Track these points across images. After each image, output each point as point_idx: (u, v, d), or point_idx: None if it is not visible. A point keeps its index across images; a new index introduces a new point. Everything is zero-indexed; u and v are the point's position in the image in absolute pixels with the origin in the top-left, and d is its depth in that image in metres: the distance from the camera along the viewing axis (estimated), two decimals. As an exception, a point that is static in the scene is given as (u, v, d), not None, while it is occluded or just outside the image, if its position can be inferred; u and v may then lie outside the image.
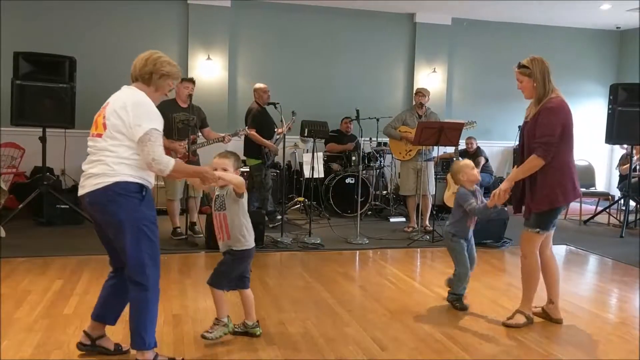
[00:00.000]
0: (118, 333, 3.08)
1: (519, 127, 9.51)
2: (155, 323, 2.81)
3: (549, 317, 3.63)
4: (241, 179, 3.13)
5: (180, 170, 2.87)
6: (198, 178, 3.00)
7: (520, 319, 3.55)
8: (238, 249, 3.15)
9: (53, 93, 5.97)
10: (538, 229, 3.45)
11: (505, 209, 3.64)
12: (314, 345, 3.16)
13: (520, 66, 3.50)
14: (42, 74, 5.97)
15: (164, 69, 2.79)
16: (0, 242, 5.22)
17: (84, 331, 2.95)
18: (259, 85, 6.59)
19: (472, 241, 3.98)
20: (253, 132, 6.18)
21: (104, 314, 2.92)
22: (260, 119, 6.35)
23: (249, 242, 3.19)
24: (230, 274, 3.16)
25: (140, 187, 2.70)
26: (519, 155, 3.62)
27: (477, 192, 3.87)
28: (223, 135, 5.70)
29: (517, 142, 9.17)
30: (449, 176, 6.73)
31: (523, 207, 3.55)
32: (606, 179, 9.81)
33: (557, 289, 3.62)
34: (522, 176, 3.43)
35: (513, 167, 3.68)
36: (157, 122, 2.69)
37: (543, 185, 3.37)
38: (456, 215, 3.91)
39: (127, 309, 2.84)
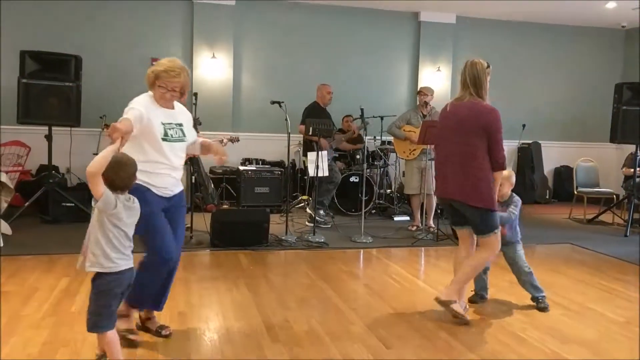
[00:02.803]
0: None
1: (523, 125, 9.46)
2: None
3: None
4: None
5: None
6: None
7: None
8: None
9: (59, 91, 6.00)
10: None
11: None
12: (320, 343, 3.17)
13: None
14: (48, 72, 6.01)
15: (150, 71, 3.02)
16: (3, 240, 5.24)
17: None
18: (323, 84, 6.81)
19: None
20: (302, 127, 6.25)
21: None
22: (312, 114, 6.39)
23: (99, 262, 2.54)
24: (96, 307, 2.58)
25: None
26: None
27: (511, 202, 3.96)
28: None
29: (520, 142, 9.29)
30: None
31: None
32: (610, 179, 9.78)
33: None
34: None
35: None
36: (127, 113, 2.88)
37: None
38: None
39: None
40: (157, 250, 3.02)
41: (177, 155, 3.08)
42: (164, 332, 3.17)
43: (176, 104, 3.16)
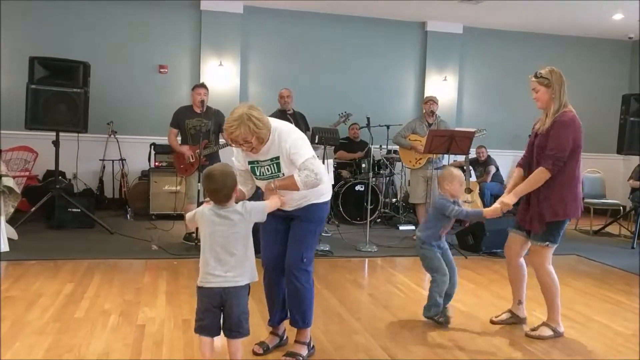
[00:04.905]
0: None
1: (529, 136, 9.45)
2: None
3: (517, 319, 3.67)
4: None
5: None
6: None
7: (544, 331, 3.52)
8: None
9: (67, 97, 6.04)
10: (547, 242, 3.44)
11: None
12: (323, 353, 3.16)
13: (539, 76, 3.48)
14: (56, 78, 6.05)
15: None
16: (9, 245, 5.26)
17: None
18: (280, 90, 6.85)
19: (447, 248, 3.83)
20: None
21: None
22: None
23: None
24: None
25: None
26: (525, 166, 3.62)
27: (457, 202, 3.74)
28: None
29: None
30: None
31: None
32: (617, 190, 9.73)
33: (522, 291, 3.73)
34: (529, 189, 3.43)
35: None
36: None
37: (548, 198, 3.37)
38: (431, 222, 3.77)
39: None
40: None
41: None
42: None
43: (276, 133, 2.85)
